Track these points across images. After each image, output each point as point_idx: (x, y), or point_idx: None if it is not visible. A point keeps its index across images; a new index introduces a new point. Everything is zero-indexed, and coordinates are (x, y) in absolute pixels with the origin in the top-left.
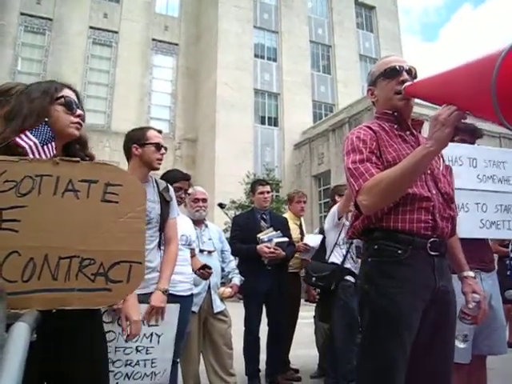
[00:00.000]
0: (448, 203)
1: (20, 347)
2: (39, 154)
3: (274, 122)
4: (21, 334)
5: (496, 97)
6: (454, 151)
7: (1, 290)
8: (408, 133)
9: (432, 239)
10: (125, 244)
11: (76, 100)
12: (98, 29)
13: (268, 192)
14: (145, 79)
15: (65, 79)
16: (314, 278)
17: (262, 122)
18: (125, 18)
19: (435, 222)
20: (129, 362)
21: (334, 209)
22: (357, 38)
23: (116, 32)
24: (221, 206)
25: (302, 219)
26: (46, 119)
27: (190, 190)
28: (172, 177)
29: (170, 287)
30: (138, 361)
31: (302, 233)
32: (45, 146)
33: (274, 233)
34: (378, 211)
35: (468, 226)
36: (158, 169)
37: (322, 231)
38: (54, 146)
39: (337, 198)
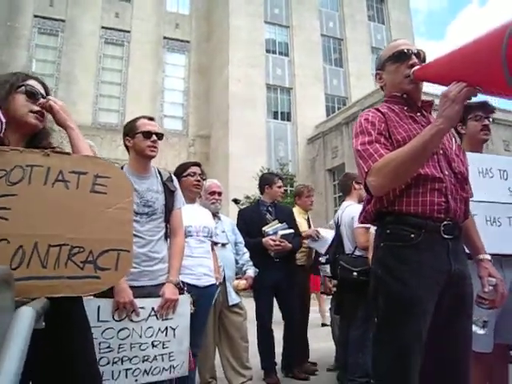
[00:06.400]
0: (462, 184)
1: (22, 331)
2: None
3: (286, 116)
4: (24, 318)
5: (507, 66)
6: (484, 163)
7: (9, 276)
8: (418, 114)
9: (445, 222)
10: (113, 233)
11: (42, 91)
12: (110, 28)
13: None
14: (157, 77)
15: (78, 79)
16: (355, 273)
17: (275, 117)
18: (136, 17)
19: (448, 204)
20: (146, 358)
21: (355, 212)
22: (368, 30)
23: (128, 31)
24: (235, 201)
25: (309, 214)
26: None
27: (205, 183)
28: (183, 166)
29: (194, 279)
30: (155, 356)
31: (309, 227)
32: None
33: (280, 225)
34: (389, 194)
35: (500, 241)
36: (151, 156)
37: None
38: None
39: (356, 185)
